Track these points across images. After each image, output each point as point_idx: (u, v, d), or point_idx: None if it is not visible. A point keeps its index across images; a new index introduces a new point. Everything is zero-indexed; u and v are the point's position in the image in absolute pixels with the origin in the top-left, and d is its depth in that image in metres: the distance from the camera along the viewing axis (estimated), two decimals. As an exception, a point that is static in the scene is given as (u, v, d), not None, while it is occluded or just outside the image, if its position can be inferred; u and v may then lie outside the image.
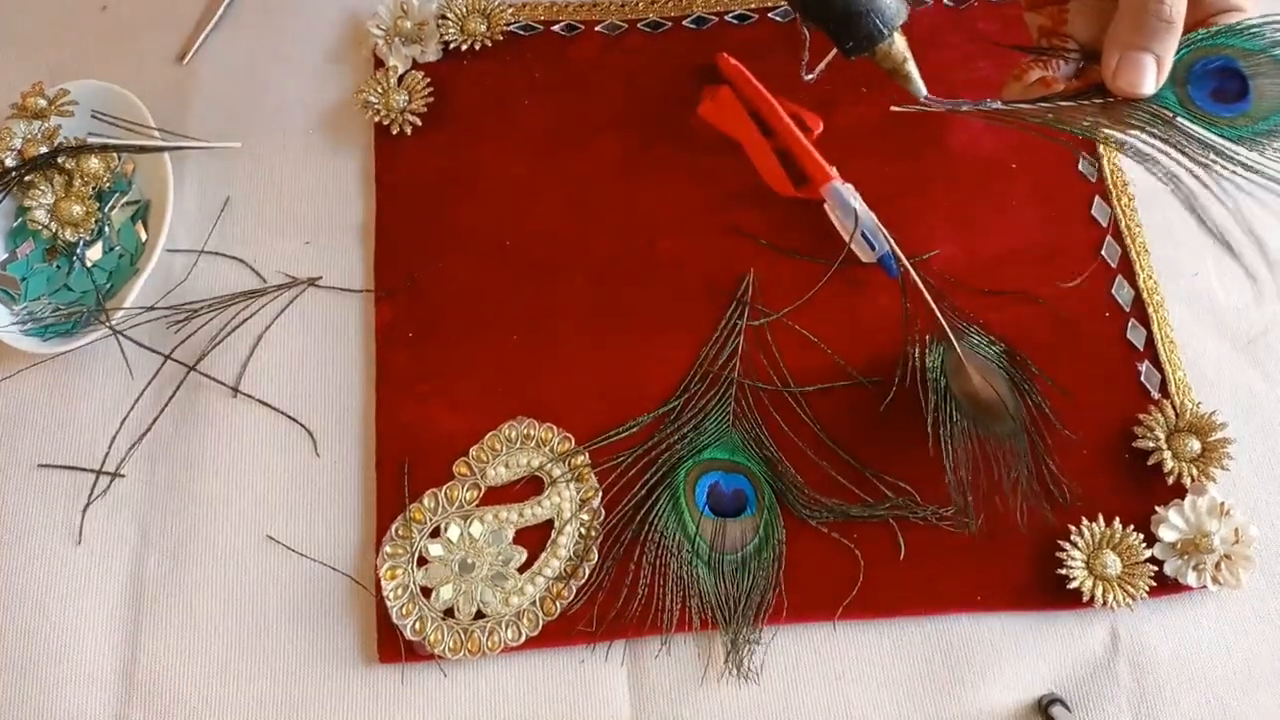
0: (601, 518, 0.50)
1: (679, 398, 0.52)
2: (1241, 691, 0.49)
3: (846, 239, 0.54)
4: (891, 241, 0.52)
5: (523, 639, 0.48)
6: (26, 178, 0.54)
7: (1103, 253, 0.56)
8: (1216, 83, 0.46)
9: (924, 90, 0.46)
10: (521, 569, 0.49)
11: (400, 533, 0.50)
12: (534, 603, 0.49)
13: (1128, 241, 0.56)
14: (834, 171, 0.55)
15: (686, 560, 0.49)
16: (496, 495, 0.51)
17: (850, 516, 0.50)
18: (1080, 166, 0.58)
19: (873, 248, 0.53)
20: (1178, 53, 0.44)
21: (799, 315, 0.54)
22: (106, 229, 0.55)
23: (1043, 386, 0.52)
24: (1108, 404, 0.53)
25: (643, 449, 0.51)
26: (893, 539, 0.50)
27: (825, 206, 0.55)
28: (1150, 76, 0.44)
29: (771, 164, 0.56)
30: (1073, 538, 0.50)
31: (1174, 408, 0.52)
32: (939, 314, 0.51)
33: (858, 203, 0.54)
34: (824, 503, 0.50)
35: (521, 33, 0.61)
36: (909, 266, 0.51)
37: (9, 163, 0.54)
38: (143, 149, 0.56)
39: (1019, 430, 0.50)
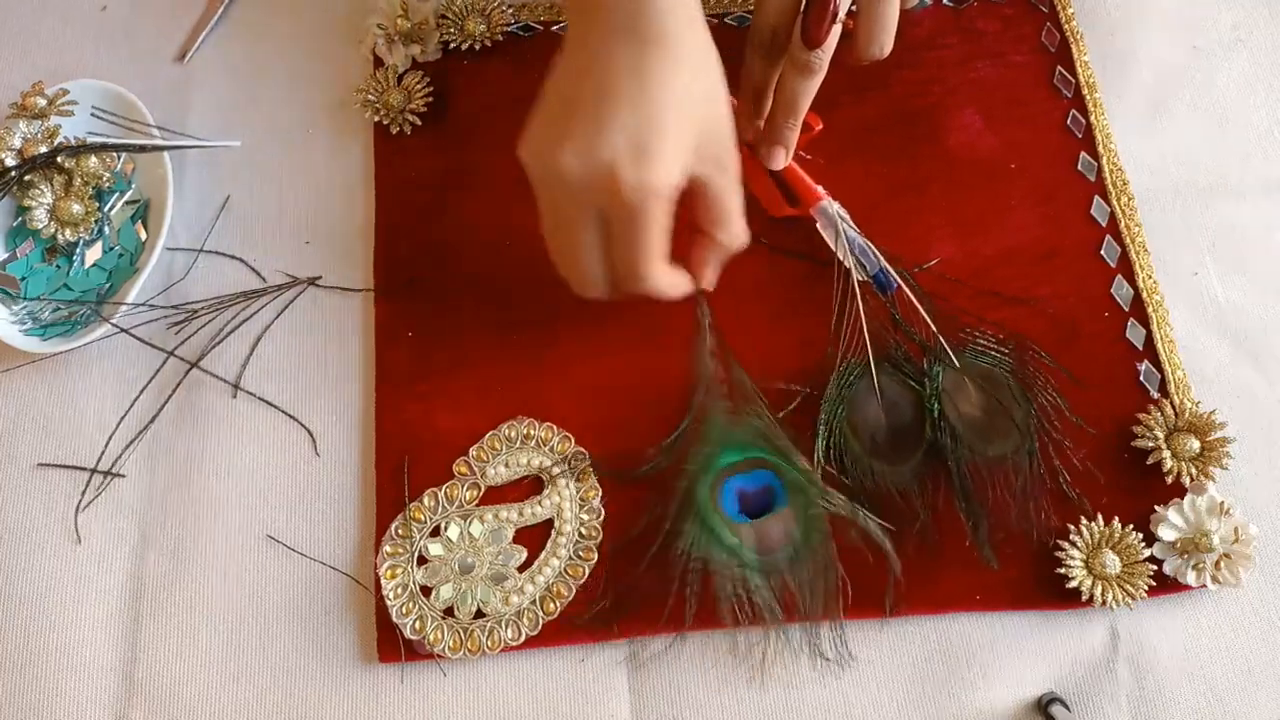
0: (601, 517, 0.50)
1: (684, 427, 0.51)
2: (1241, 691, 0.49)
3: (839, 258, 0.54)
4: (883, 260, 0.52)
5: (523, 638, 0.48)
6: (26, 177, 0.54)
7: (1102, 252, 0.56)
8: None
9: None
10: (521, 568, 0.49)
11: (400, 532, 0.50)
12: (534, 602, 0.49)
13: (1127, 241, 0.56)
14: (823, 191, 0.54)
15: (738, 575, 0.47)
16: (496, 495, 0.51)
17: (854, 510, 0.48)
18: (1079, 166, 0.58)
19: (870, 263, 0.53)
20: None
21: (799, 320, 0.54)
22: (106, 228, 0.55)
23: (1046, 382, 0.52)
24: (1107, 403, 0.53)
25: (647, 472, 0.50)
26: (896, 539, 0.50)
27: (818, 226, 0.55)
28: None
29: (764, 184, 0.55)
30: (1072, 537, 0.50)
31: (1173, 407, 0.52)
32: (933, 327, 0.51)
33: (846, 224, 0.53)
34: (832, 495, 0.48)
35: (521, 33, 0.61)
36: (902, 284, 0.52)
37: (9, 163, 0.54)
38: (142, 148, 0.56)
39: (1027, 442, 0.50)
